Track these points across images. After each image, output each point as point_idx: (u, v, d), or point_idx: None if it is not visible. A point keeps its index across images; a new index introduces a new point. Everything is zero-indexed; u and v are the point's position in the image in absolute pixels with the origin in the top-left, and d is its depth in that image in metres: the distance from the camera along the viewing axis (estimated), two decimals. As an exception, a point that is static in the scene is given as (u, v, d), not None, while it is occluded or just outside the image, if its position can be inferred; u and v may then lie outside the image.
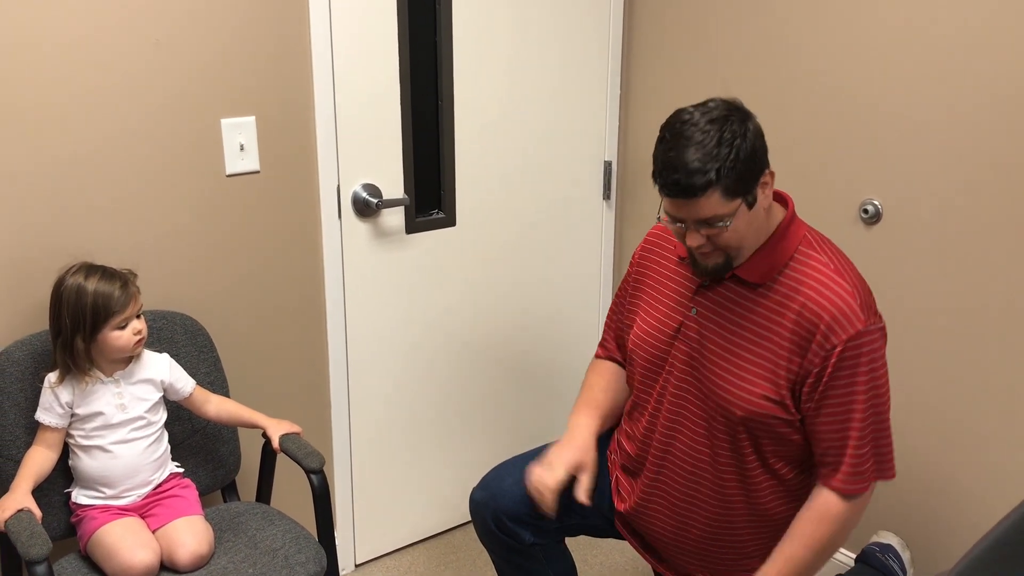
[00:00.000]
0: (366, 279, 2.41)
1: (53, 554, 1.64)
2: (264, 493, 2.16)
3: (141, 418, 1.87)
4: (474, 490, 1.97)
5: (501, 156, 2.56)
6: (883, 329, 1.65)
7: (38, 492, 1.80)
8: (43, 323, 1.89)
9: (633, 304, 1.92)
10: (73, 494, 1.88)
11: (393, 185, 2.38)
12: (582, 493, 1.81)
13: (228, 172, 2.12)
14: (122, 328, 1.81)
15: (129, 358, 1.88)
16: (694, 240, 1.61)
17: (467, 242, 2.57)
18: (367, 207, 2.33)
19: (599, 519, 1.98)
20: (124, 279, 1.82)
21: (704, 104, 1.58)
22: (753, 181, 1.57)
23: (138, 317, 1.84)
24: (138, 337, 1.84)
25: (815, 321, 1.61)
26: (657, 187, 1.59)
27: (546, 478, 1.80)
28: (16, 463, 1.82)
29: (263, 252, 2.23)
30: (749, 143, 1.54)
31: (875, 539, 2.30)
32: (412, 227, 2.45)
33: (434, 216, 2.50)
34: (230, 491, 2.16)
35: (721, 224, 1.58)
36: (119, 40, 1.91)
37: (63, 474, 1.89)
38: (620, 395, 1.99)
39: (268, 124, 2.15)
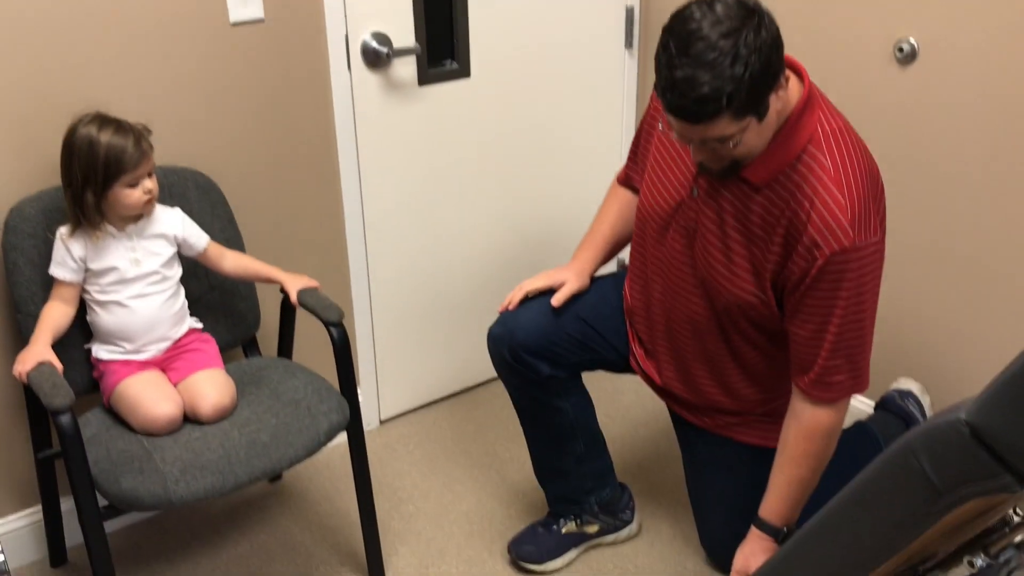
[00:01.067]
0: (379, 132, 2.34)
1: (78, 408, 1.66)
2: (285, 348, 2.17)
3: (156, 272, 1.86)
4: (492, 325, 1.98)
5: (518, 2, 2.44)
6: (877, 244, 1.58)
7: (58, 348, 1.80)
8: (54, 179, 1.86)
9: (645, 152, 1.89)
10: (93, 349, 1.89)
11: (404, 34, 2.28)
12: (556, 298, 1.92)
13: (232, 20, 2.04)
14: (133, 186, 1.77)
15: (138, 215, 1.85)
16: (700, 155, 1.57)
17: (482, 95, 2.48)
18: (377, 57, 2.24)
19: (613, 354, 2.01)
20: (138, 134, 1.76)
21: (712, 6, 1.42)
22: (767, 94, 1.47)
23: (149, 176, 1.80)
24: (148, 197, 1.80)
25: (801, 230, 1.57)
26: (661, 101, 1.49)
27: (524, 282, 1.95)
28: (34, 319, 1.82)
29: (272, 105, 2.16)
30: (764, 55, 1.41)
31: (895, 385, 2.30)
32: (425, 78, 2.36)
33: (448, 67, 2.40)
34: (251, 347, 2.17)
35: (730, 142, 1.50)
36: None
37: (82, 330, 1.90)
38: (628, 226, 2.02)
39: (270, -33, 2.05)
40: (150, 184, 1.80)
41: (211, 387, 1.84)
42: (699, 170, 1.68)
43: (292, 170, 2.24)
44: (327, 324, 1.93)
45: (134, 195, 1.77)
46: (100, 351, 1.88)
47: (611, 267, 2.98)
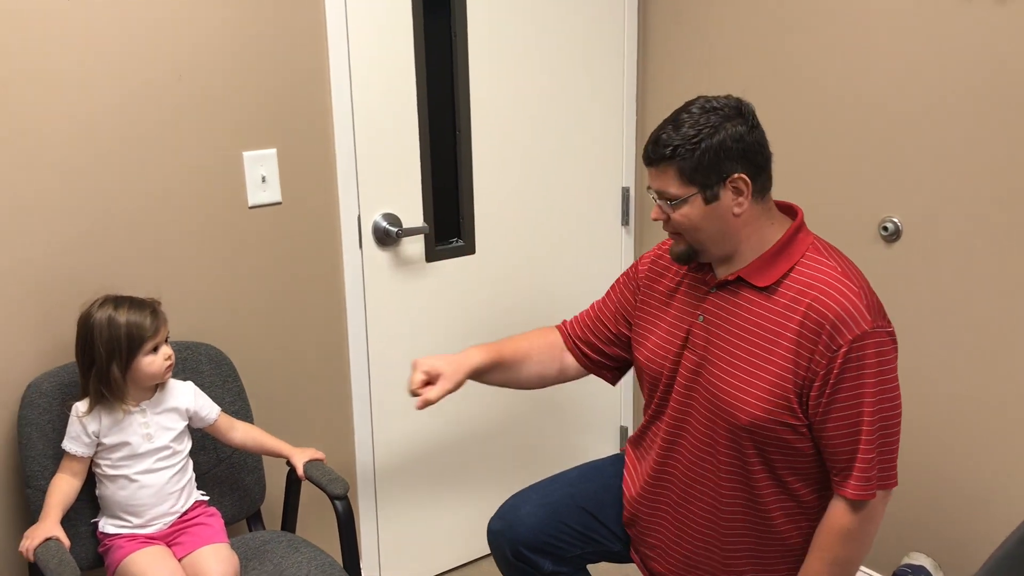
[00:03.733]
0: (387, 307, 2.42)
1: (81, 583, 1.66)
2: (289, 522, 2.16)
3: (167, 447, 1.89)
4: (491, 520, 1.96)
5: (519, 184, 2.58)
6: (892, 333, 1.64)
7: (66, 523, 1.81)
8: (68, 355, 1.92)
9: (639, 319, 1.91)
10: (100, 523, 1.89)
11: (413, 214, 2.41)
12: (432, 392, 1.79)
13: (250, 204, 2.16)
14: (155, 352, 1.83)
15: (155, 387, 1.90)
16: (655, 212, 1.71)
17: (487, 269, 2.58)
18: (387, 236, 2.36)
19: (616, 544, 1.96)
20: (152, 306, 1.85)
21: (719, 97, 1.67)
22: (714, 176, 1.62)
23: (166, 343, 1.87)
24: (169, 362, 1.86)
25: (821, 322, 1.61)
26: None
27: (411, 380, 1.83)
28: (43, 493, 1.83)
29: (286, 282, 2.25)
30: (718, 139, 1.60)
31: (907, 560, 2.27)
32: (432, 255, 2.47)
33: (454, 244, 2.52)
34: (255, 520, 2.17)
35: (672, 203, 1.66)
36: (143, 75, 1.96)
37: (90, 504, 1.91)
38: (530, 361, 1.97)
39: (289, 156, 2.19)
40: (168, 350, 1.86)
41: (215, 562, 1.84)
42: (671, 256, 1.76)
43: (303, 343, 2.31)
44: (332, 497, 1.94)
45: (156, 362, 1.83)
46: (107, 525, 1.88)
47: (609, 447, 3.00)
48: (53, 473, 1.86)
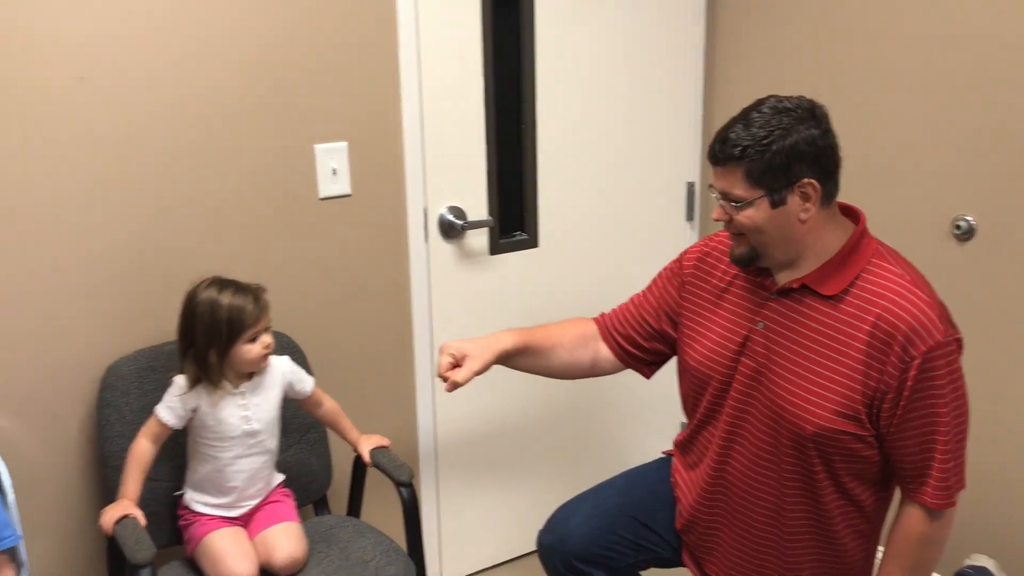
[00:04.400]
0: (451, 299, 2.45)
1: (157, 560, 1.71)
2: (355, 507, 2.21)
3: (261, 432, 1.93)
4: (540, 533, 1.95)
5: (583, 177, 2.59)
6: (960, 339, 1.61)
7: (144, 503, 1.87)
8: (146, 340, 1.99)
9: (686, 318, 1.87)
10: (186, 498, 1.94)
11: (478, 207, 2.43)
12: (460, 375, 1.77)
13: (321, 195, 2.20)
14: (253, 341, 1.86)
15: (255, 371, 1.93)
16: (717, 212, 1.68)
17: (550, 263, 2.60)
18: (452, 229, 2.39)
19: (667, 550, 1.95)
20: (255, 293, 1.86)
21: (791, 97, 1.63)
22: (783, 179, 1.58)
23: (267, 330, 1.89)
24: (266, 351, 1.88)
25: (892, 332, 1.57)
26: None
27: (438, 363, 1.82)
28: (120, 473, 1.89)
29: (354, 272, 2.29)
30: (790, 143, 1.56)
31: (969, 562, 2.23)
32: (496, 248, 2.49)
33: (517, 237, 2.54)
34: (321, 505, 2.22)
35: (737, 205, 1.62)
36: (223, 69, 2.01)
37: (171, 481, 1.97)
38: (561, 349, 1.94)
39: (359, 149, 2.23)
40: (268, 339, 1.88)
41: (286, 540, 1.89)
42: (731, 258, 1.72)
43: (369, 333, 2.35)
44: (397, 484, 1.98)
45: (254, 350, 1.86)
46: (195, 503, 1.93)
47: (668, 444, 3.00)
48: (132, 455, 1.92)
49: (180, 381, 1.87)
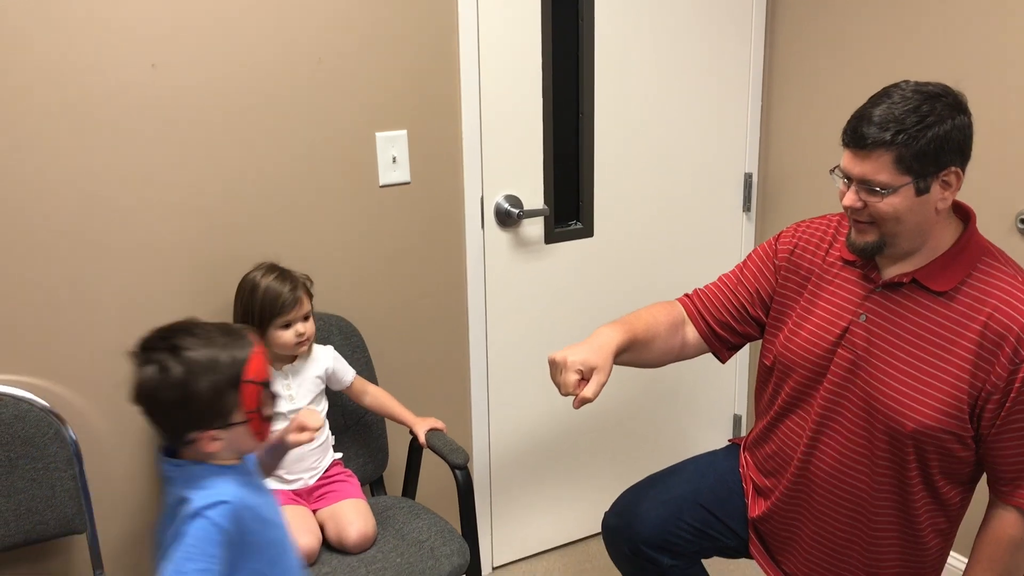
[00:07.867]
0: (507, 287, 2.48)
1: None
2: (410, 489, 2.25)
3: (306, 409, 1.98)
4: (607, 515, 1.96)
5: (640, 168, 2.60)
6: None
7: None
8: (215, 315, 2.04)
9: (781, 304, 1.83)
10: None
11: (534, 196, 2.45)
12: (590, 390, 1.66)
13: (381, 183, 2.24)
14: (286, 328, 1.93)
15: (294, 355, 2.00)
16: (850, 199, 1.58)
17: (605, 253, 2.61)
18: (508, 217, 2.41)
19: (733, 539, 1.95)
20: (296, 282, 1.94)
21: (930, 83, 1.55)
22: (932, 167, 1.51)
23: (306, 319, 1.95)
24: (299, 339, 1.94)
25: (1004, 333, 1.54)
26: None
27: (565, 358, 1.69)
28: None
29: (411, 259, 2.33)
30: (944, 129, 1.49)
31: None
32: (551, 237, 2.51)
33: (572, 227, 2.55)
34: (377, 486, 2.27)
35: (881, 192, 1.53)
36: (287, 58, 2.06)
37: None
38: (659, 339, 1.86)
39: (419, 137, 2.26)
40: (302, 328, 1.95)
41: (356, 516, 1.95)
42: (846, 242, 1.66)
43: (426, 318, 2.39)
44: (453, 467, 2.01)
45: (286, 336, 1.93)
46: None
47: (721, 436, 2.99)
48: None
49: None
